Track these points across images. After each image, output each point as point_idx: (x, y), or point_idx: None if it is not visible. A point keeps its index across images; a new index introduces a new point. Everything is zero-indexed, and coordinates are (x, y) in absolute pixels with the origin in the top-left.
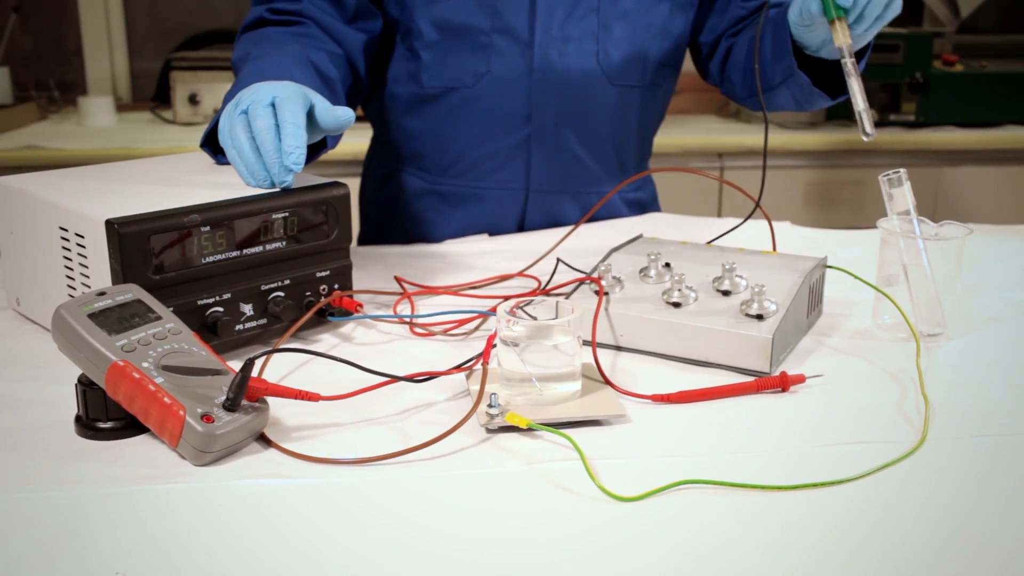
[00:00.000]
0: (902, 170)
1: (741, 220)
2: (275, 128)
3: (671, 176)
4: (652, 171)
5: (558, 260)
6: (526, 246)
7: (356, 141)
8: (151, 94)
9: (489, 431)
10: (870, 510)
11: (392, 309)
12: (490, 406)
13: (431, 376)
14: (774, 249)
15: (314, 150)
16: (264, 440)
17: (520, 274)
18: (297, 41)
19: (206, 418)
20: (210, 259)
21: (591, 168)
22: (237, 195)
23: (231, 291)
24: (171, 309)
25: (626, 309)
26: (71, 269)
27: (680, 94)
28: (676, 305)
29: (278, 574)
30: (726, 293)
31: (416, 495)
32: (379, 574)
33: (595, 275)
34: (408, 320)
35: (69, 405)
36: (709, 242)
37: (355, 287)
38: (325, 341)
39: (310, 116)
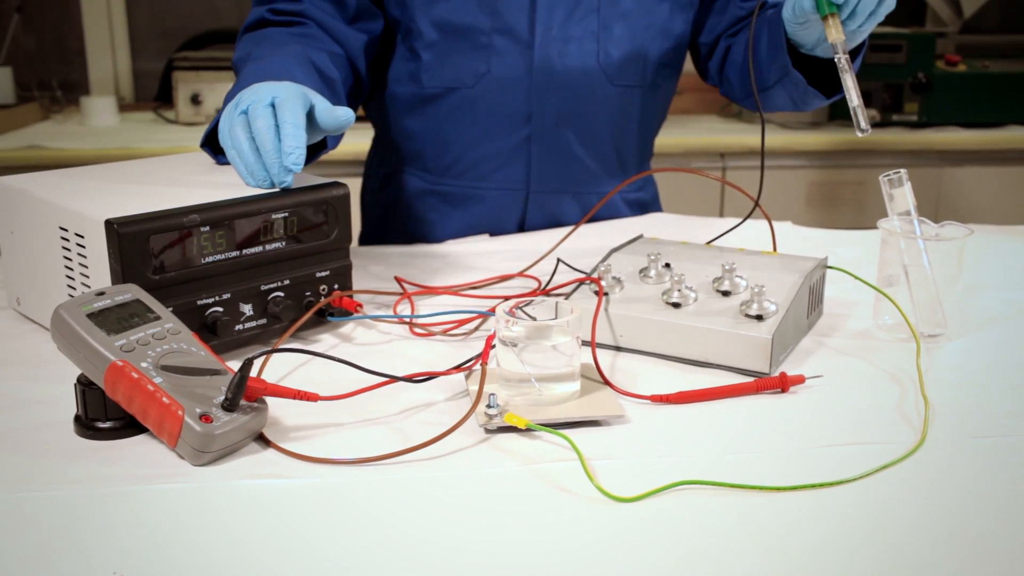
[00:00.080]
0: (903, 170)
1: (743, 218)
2: (275, 128)
3: (673, 176)
4: (652, 171)
5: (558, 260)
6: (526, 246)
7: (357, 141)
8: (153, 94)
9: (488, 431)
10: (869, 511)
11: (392, 309)
12: (489, 406)
13: (430, 376)
14: (774, 249)
15: (314, 150)
16: (263, 440)
17: (520, 274)
18: (298, 41)
19: (205, 418)
20: (210, 259)
21: (591, 168)
22: (237, 195)
23: (231, 291)
24: (171, 309)
25: (626, 309)
26: (71, 269)
27: (682, 94)
28: (676, 305)
29: (277, 574)
30: (726, 293)
31: (415, 495)
32: (377, 574)
33: (595, 275)
34: (408, 320)
35: (69, 405)
36: (709, 242)
37: (356, 287)
38: (325, 341)
39: (310, 116)
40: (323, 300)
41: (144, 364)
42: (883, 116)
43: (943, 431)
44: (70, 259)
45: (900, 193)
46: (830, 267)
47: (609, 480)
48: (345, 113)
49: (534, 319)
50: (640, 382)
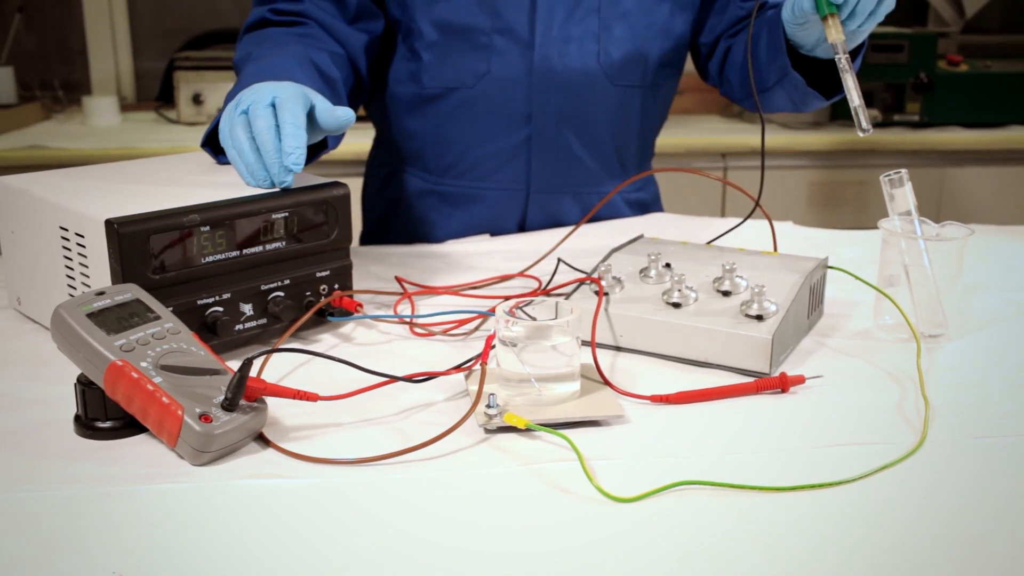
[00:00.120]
0: (903, 170)
1: (743, 218)
2: (275, 128)
3: (674, 176)
4: (652, 171)
5: (559, 260)
6: (527, 246)
7: (358, 141)
8: (155, 94)
9: (487, 431)
10: (869, 511)
11: (392, 309)
12: (488, 406)
13: (430, 376)
14: (775, 249)
15: (315, 150)
16: (263, 440)
17: (521, 274)
18: (299, 42)
19: (204, 418)
20: (210, 259)
21: (592, 169)
22: (237, 195)
23: (231, 291)
24: (171, 309)
25: (626, 309)
26: (71, 269)
27: (684, 94)
28: (676, 305)
29: (276, 573)
30: (726, 294)
31: (414, 495)
32: (376, 573)
33: (595, 275)
34: (408, 320)
35: (69, 404)
36: (709, 242)
37: (356, 287)
38: (325, 341)
39: (310, 116)
40: (323, 300)
41: (144, 364)
42: (885, 116)
43: (943, 431)
44: (70, 259)
45: (901, 193)
46: (831, 267)
47: (609, 480)
48: (345, 113)
49: (534, 319)
50: (640, 382)
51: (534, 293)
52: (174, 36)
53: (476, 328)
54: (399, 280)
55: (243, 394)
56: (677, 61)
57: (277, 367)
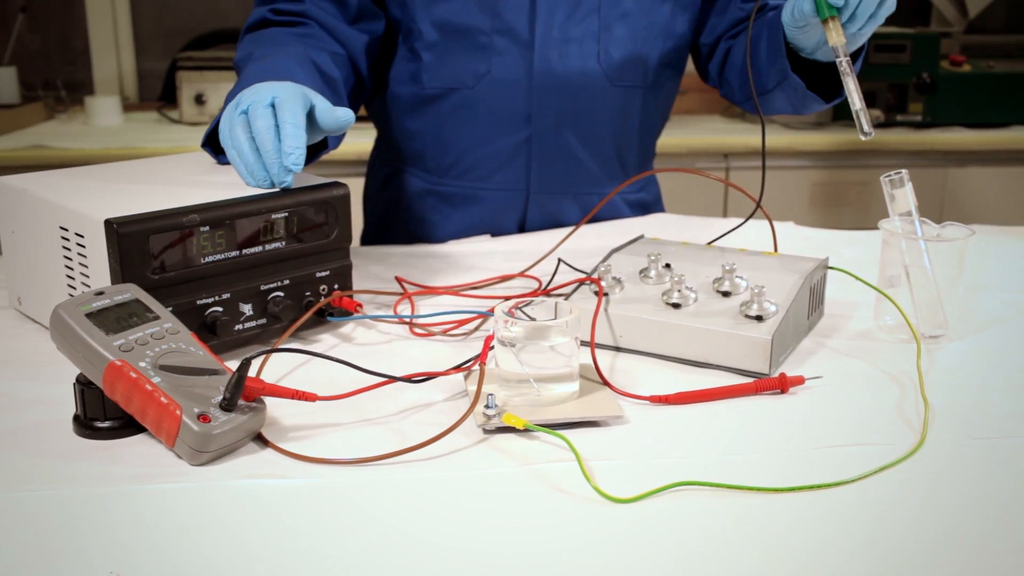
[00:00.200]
0: (904, 171)
1: (744, 219)
2: (275, 128)
3: (676, 177)
4: (652, 172)
5: (559, 260)
6: (528, 246)
7: (359, 141)
8: (158, 94)
9: (486, 432)
10: (868, 512)
11: (392, 309)
12: (487, 407)
13: (429, 376)
14: (775, 250)
15: (315, 150)
16: (261, 440)
17: (521, 275)
18: (300, 42)
19: (203, 418)
20: (209, 259)
21: (592, 169)
22: (237, 195)
23: (230, 291)
24: (170, 309)
25: (626, 310)
26: (71, 269)
27: (685, 94)
28: (676, 306)
29: (275, 573)
30: (726, 294)
31: (413, 495)
32: (375, 573)
33: (595, 276)
34: (408, 320)
35: (68, 404)
36: (710, 243)
37: (357, 287)
38: (325, 341)
39: (310, 116)
40: (323, 300)
41: (142, 364)
42: (887, 116)
43: (943, 432)
44: (70, 259)
45: (901, 193)
46: (831, 268)
47: (607, 481)
48: (345, 113)
49: (533, 319)
50: (639, 383)
51: (534, 293)
52: (176, 36)
53: (476, 328)
54: (399, 280)
55: (242, 394)
56: (678, 61)
57: (276, 367)
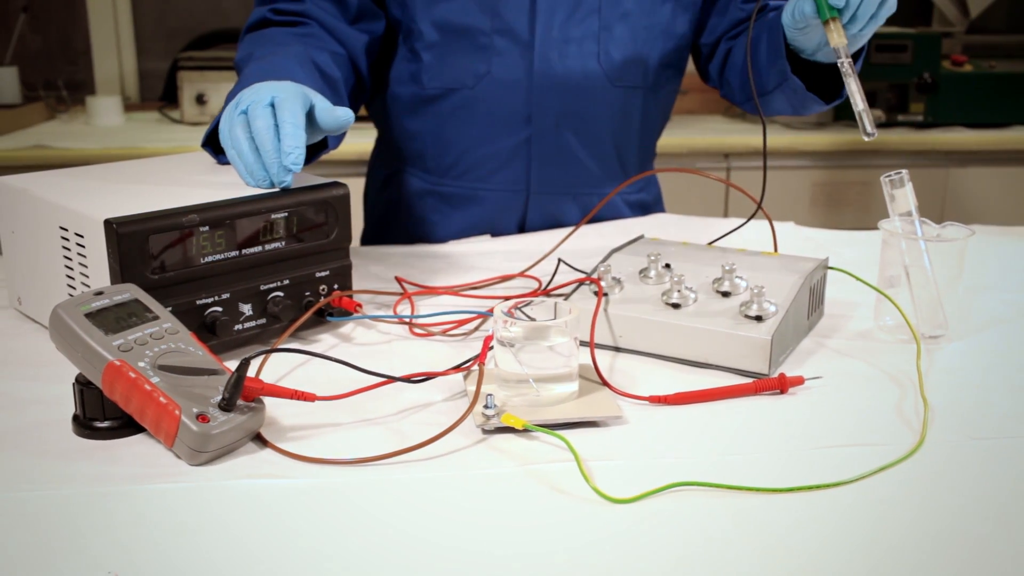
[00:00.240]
0: (904, 171)
1: (745, 220)
2: (274, 128)
3: (677, 177)
4: (652, 172)
5: (559, 260)
6: (528, 246)
7: (360, 141)
8: (159, 94)
9: (485, 432)
10: (867, 512)
11: (392, 309)
12: (486, 407)
13: (428, 377)
14: (775, 250)
15: (315, 150)
16: (260, 440)
17: (521, 275)
18: (300, 42)
19: (201, 418)
20: (209, 259)
21: (592, 170)
22: (236, 195)
23: (230, 291)
24: (170, 309)
25: (625, 310)
26: (71, 269)
27: (687, 94)
28: (675, 306)
29: (274, 573)
30: (726, 294)
31: (412, 495)
32: (373, 573)
33: (595, 276)
34: (407, 320)
35: (68, 404)
36: (710, 243)
37: (357, 287)
38: (324, 341)
39: (310, 116)
40: (323, 300)
41: (141, 364)
42: (888, 116)
43: (942, 432)
44: (70, 259)
45: (901, 194)
46: (831, 268)
47: (606, 481)
48: (345, 113)
49: (533, 320)
50: (639, 383)
51: (534, 293)
52: (178, 36)
53: (476, 328)
54: (399, 280)
55: (241, 394)
56: (678, 62)
57: (275, 367)
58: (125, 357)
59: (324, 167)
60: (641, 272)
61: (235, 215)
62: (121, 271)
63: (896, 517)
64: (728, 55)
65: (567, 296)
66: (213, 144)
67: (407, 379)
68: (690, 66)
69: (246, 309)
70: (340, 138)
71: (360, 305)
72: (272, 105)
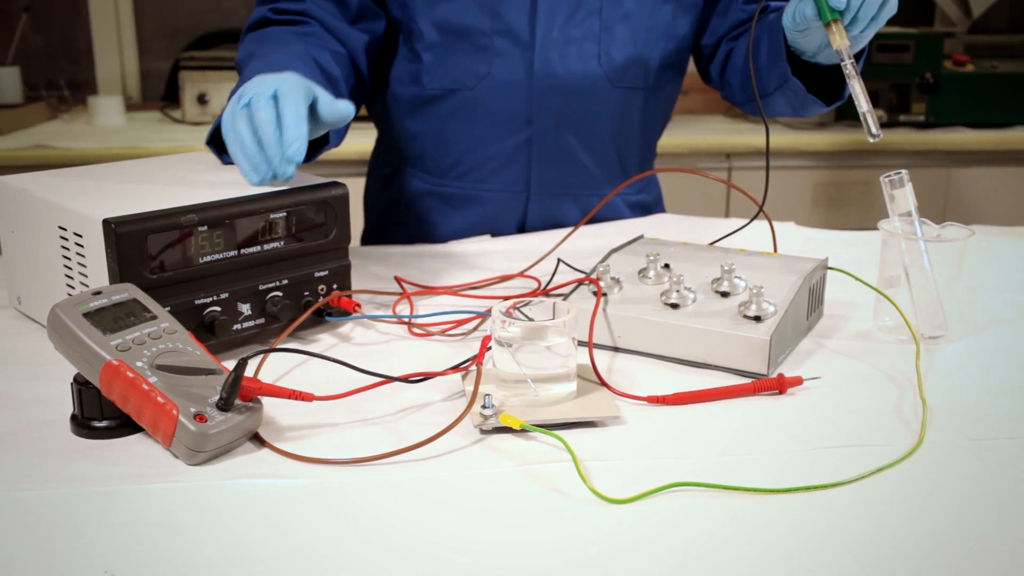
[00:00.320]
0: (903, 171)
1: (747, 222)
2: (276, 120)
3: (678, 177)
4: (651, 172)
5: (559, 260)
6: (527, 246)
7: (360, 141)
8: (160, 94)
9: (483, 432)
10: (866, 513)
11: (391, 309)
12: (484, 407)
13: (426, 377)
14: (775, 250)
15: (316, 147)
16: (258, 440)
17: (520, 275)
18: (301, 40)
19: (199, 417)
20: (208, 259)
21: (592, 171)
22: (235, 195)
23: (229, 291)
24: (168, 309)
25: (624, 310)
26: (70, 268)
27: (688, 94)
28: (674, 306)
29: (271, 573)
30: (725, 294)
31: (409, 495)
32: (371, 573)
33: (594, 276)
34: (406, 320)
35: (66, 404)
36: (711, 244)
37: (357, 287)
38: (323, 341)
39: (312, 110)
40: (321, 300)
41: (139, 363)
42: (890, 116)
43: (941, 433)
44: (69, 259)
45: (901, 194)
46: (830, 268)
47: (604, 481)
48: (346, 106)
49: (532, 320)
50: (638, 383)
51: (533, 294)
52: (179, 36)
53: (475, 328)
54: (398, 280)
55: (238, 394)
56: (679, 63)
57: (274, 367)
58: (123, 357)
59: (324, 167)
60: (640, 272)
61: (234, 215)
62: (120, 271)
63: (895, 518)
64: (729, 56)
65: (566, 296)
66: (217, 144)
67: (405, 379)
68: (691, 66)
69: (245, 309)
70: (342, 136)
71: (359, 305)
72: (275, 97)
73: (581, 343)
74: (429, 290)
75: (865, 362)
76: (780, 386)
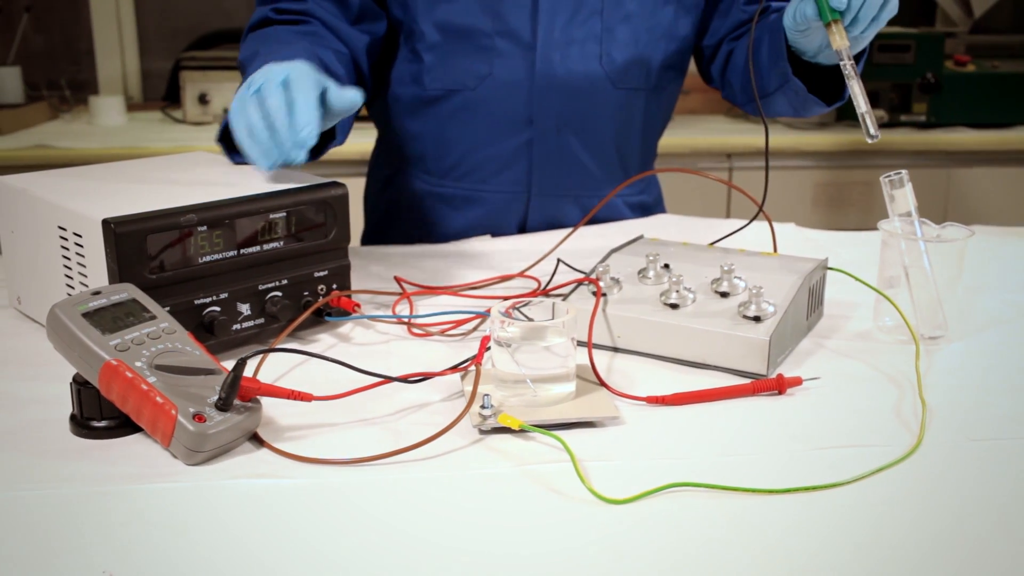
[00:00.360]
0: (903, 171)
1: (746, 222)
2: (288, 106)
3: (678, 177)
4: (651, 172)
5: (558, 261)
6: (528, 247)
7: (361, 141)
8: (161, 94)
9: (482, 432)
10: (865, 513)
11: (391, 309)
12: (483, 407)
13: (425, 377)
14: (775, 250)
15: (323, 143)
16: (257, 440)
17: (520, 275)
18: (305, 39)
19: (198, 417)
20: (207, 259)
21: (593, 172)
22: (235, 195)
23: (228, 291)
24: (168, 309)
25: (624, 310)
26: (70, 268)
27: (689, 94)
28: (674, 306)
29: (271, 572)
30: (724, 295)
31: (408, 495)
32: (370, 573)
33: (593, 276)
34: (406, 320)
35: (66, 404)
36: (711, 244)
37: (357, 287)
38: (323, 341)
39: (322, 99)
40: (321, 300)
41: (138, 363)
42: (891, 116)
43: (940, 433)
44: (69, 258)
45: (901, 194)
46: (830, 268)
47: (603, 482)
48: (356, 94)
49: (530, 320)
50: (637, 383)
51: (532, 294)
52: (180, 36)
53: (474, 328)
54: (398, 280)
55: (237, 394)
56: (681, 63)
57: (273, 367)
58: (122, 357)
59: (324, 167)
60: (640, 272)
61: (233, 215)
62: (119, 271)
63: (894, 518)
64: (730, 57)
65: (565, 296)
66: (227, 143)
67: (404, 379)
68: (692, 66)
69: (244, 309)
70: (346, 133)
71: (359, 305)
72: (285, 84)
73: (580, 343)
74: (429, 290)
75: (865, 362)
76: (780, 386)
